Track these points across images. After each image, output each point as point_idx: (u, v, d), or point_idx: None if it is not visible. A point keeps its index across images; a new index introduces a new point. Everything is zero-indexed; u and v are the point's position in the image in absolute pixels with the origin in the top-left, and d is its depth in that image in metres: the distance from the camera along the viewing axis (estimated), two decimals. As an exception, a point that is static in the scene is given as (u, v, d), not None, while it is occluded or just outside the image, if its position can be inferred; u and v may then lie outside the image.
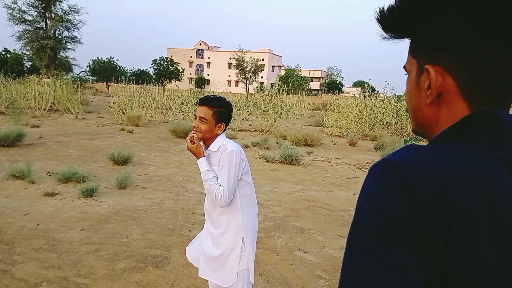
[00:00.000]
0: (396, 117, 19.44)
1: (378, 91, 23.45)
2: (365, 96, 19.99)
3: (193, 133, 2.34)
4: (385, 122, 19.38)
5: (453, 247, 0.57)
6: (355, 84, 75.57)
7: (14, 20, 33.57)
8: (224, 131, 2.39)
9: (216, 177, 2.30)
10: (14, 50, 53.43)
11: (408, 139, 7.21)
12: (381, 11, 0.72)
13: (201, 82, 74.36)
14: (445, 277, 0.58)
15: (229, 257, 2.34)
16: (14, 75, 25.07)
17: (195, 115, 2.33)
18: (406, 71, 0.76)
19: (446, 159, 0.61)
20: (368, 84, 20.88)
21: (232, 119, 2.54)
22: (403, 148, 0.65)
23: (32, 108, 18.13)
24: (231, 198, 2.30)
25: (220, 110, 2.31)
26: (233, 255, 2.32)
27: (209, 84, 78.91)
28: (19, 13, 33.69)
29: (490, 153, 0.62)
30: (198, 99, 2.26)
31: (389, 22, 0.72)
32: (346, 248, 0.62)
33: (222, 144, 2.33)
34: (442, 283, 0.58)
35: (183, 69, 66.78)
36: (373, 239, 0.58)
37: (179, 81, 62.16)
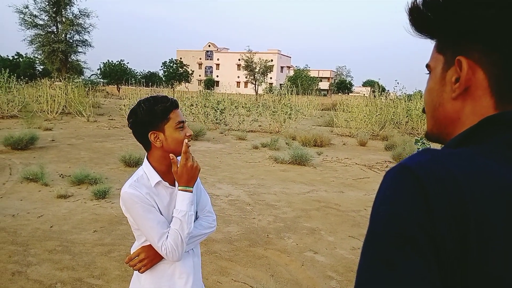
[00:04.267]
0: (407, 116, 19.31)
1: (388, 90, 23.35)
2: (375, 96, 19.86)
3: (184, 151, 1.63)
4: (395, 122, 19.26)
5: (470, 255, 0.56)
6: (365, 84, 75.19)
7: (26, 25, 34.02)
8: None
9: None
10: (26, 54, 54.39)
11: (419, 139, 7.15)
12: (413, 9, 0.70)
13: (210, 83, 74.71)
14: (460, 285, 0.57)
15: None
16: (26, 79, 25.41)
17: (181, 122, 1.65)
18: (428, 69, 0.74)
19: (464, 164, 0.59)
20: (378, 84, 20.77)
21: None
22: (420, 152, 0.63)
23: (44, 111, 18.38)
24: None
25: None
26: None
27: (218, 86, 79.15)
28: (30, 18, 34.13)
29: (510, 157, 0.60)
30: (169, 102, 1.64)
31: (422, 21, 0.70)
32: (361, 254, 0.61)
33: None
34: None
35: (193, 71, 67.23)
36: (388, 247, 0.57)
37: (189, 83, 62.60)
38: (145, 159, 1.69)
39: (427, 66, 0.75)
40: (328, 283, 3.75)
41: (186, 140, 1.62)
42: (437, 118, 0.73)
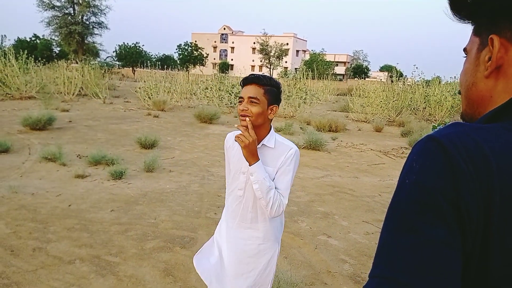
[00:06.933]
0: (425, 102, 18.97)
1: (406, 75, 22.94)
2: (392, 81, 19.56)
3: (241, 125, 1.85)
4: (412, 108, 18.97)
5: (493, 224, 0.57)
6: (382, 69, 74.01)
7: (43, 6, 34.35)
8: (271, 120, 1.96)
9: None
10: (44, 36, 54.75)
11: (436, 125, 7.04)
12: None
13: (225, 67, 74.37)
14: (482, 253, 0.58)
15: (262, 271, 2.02)
16: (44, 60, 25.65)
17: (240, 97, 1.86)
18: (465, 52, 0.76)
19: (492, 137, 0.60)
20: (396, 69, 20.43)
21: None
22: (449, 125, 0.65)
23: (61, 92, 18.62)
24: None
25: (271, 88, 1.88)
26: (268, 270, 2.02)
27: (232, 69, 78.78)
28: (48, -1, 34.39)
29: None
30: (246, 79, 1.88)
31: (459, 4, 0.71)
32: (384, 221, 0.63)
33: (279, 141, 1.93)
34: (479, 258, 0.59)
35: (207, 54, 67.02)
36: (412, 214, 0.59)
37: (203, 66, 62.46)
38: None
39: (464, 49, 0.77)
40: (341, 266, 3.77)
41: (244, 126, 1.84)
42: (470, 97, 0.74)
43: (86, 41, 36.88)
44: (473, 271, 0.59)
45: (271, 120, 1.93)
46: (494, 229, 0.57)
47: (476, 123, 0.68)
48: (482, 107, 0.72)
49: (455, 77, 21.19)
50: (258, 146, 1.89)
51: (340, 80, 60.36)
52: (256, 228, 2.00)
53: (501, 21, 0.66)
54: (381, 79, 25.66)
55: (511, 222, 0.57)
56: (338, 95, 31.96)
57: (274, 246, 2.06)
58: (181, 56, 61.64)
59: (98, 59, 39.95)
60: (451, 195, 0.57)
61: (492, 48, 0.67)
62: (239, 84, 1.92)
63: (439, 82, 20.90)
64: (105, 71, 24.05)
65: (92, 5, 35.70)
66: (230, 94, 17.67)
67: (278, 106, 1.94)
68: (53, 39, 43.19)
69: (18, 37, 60.89)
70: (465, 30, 0.76)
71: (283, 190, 1.90)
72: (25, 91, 18.03)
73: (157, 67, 27.34)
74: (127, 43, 58.94)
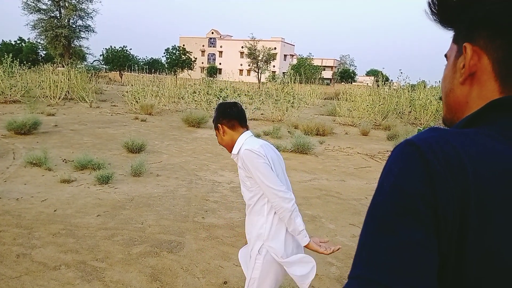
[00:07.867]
0: (410, 106, 19.24)
1: (391, 80, 23.23)
2: (378, 85, 19.80)
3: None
4: (398, 112, 19.22)
5: (468, 228, 0.58)
6: (368, 73, 74.78)
7: (29, 9, 33.80)
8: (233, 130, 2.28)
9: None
10: (29, 39, 54.05)
11: (421, 129, 7.15)
12: (429, 2, 0.73)
13: (213, 71, 74.30)
14: (457, 255, 0.60)
15: (248, 262, 2.35)
16: (29, 64, 25.29)
17: None
18: (446, 59, 0.78)
19: (468, 142, 0.62)
20: (382, 73, 20.69)
21: (245, 108, 2.28)
22: (427, 130, 0.66)
23: (47, 96, 18.39)
24: (289, 190, 2.16)
25: (215, 120, 2.30)
26: (251, 265, 2.22)
27: (221, 73, 78.73)
28: (33, 2, 33.90)
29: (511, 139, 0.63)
30: None
31: (440, 12, 0.73)
32: (364, 224, 0.64)
33: (242, 147, 2.19)
34: (455, 260, 0.60)
35: (195, 58, 66.81)
36: (390, 216, 0.60)
37: (191, 70, 62.24)
38: None
39: (445, 56, 0.79)
40: (328, 269, 3.80)
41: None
42: (448, 103, 0.77)
43: (72, 45, 36.38)
44: (450, 272, 0.61)
45: (236, 132, 2.26)
46: (469, 232, 0.58)
47: (453, 128, 0.70)
48: (460, 112, 0.74)
49: (439, 81, 21.50)
50: (231, 157, 2.32)
51: (327, 84, 60.76)
52: (248, 221, 2.37)
53: (476, 30, 0.68)
54: (367, 84, 25.91)
55: (485, 226, 0.58)
56: (325, 99, 32.20)
57: (256, 243, 2.21)
58: (169, 60, 61.37)
59: (85, 63, 39.52)
60: (429, 199, 0.59)
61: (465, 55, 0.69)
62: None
63: (424, 86, 21.23)
64: (91, 75, 23.85)
65: (78, 9, 35.26)
66: (218, 98, 17.66)
67: (227, 120, 2.24)
68: (39, 42, 42.55)
69: (2, 40, 60.09)
70: (450, 36, 0.79)
71: (264, 188, 2.07)
72: (10, 95, 17.77)
73: (144, 71, 27.17)
74: (114, 47, 58.59)
